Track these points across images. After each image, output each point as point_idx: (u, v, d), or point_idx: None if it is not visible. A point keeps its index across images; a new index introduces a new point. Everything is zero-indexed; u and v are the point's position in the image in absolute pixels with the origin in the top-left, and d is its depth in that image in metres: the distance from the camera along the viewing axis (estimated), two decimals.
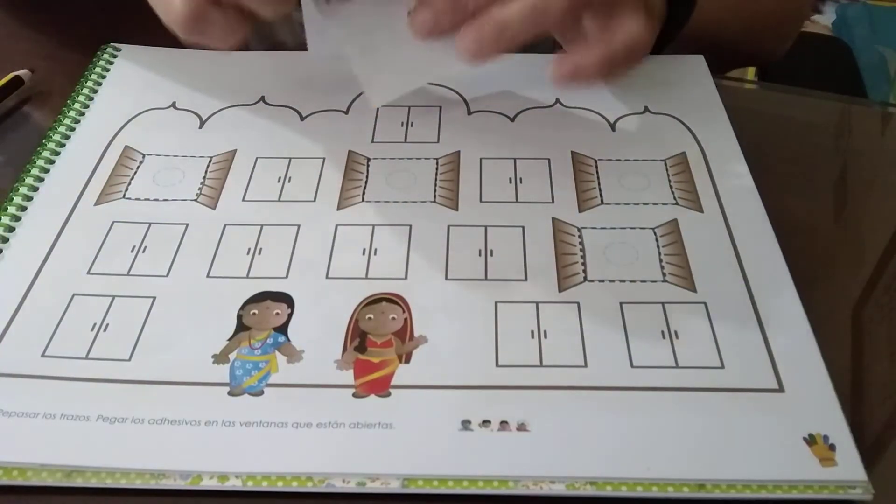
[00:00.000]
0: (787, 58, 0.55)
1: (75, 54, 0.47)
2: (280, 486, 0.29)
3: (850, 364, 0.35)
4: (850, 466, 0.29)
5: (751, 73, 0.85)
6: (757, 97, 0.48)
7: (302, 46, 0.46)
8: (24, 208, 0.39)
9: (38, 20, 0.52)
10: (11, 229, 0.38)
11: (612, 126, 0.44)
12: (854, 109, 0.50)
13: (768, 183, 0.40)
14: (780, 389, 0.32)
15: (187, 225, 0.38)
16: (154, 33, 0.47)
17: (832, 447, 0.30)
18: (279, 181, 0.41)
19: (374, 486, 0.29)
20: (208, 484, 0.29)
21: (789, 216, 0.39)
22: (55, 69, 0.48)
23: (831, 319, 0.36)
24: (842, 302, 0.38)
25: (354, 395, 0.32)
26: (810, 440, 0.30)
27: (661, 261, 0.37)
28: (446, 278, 0.36)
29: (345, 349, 0.33)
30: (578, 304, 0.35)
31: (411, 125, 0.44)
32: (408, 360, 0.33)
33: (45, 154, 0.42)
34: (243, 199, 0.40)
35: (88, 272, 0.36)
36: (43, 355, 0.33)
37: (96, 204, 0.39)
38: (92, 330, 0.34)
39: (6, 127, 0.45)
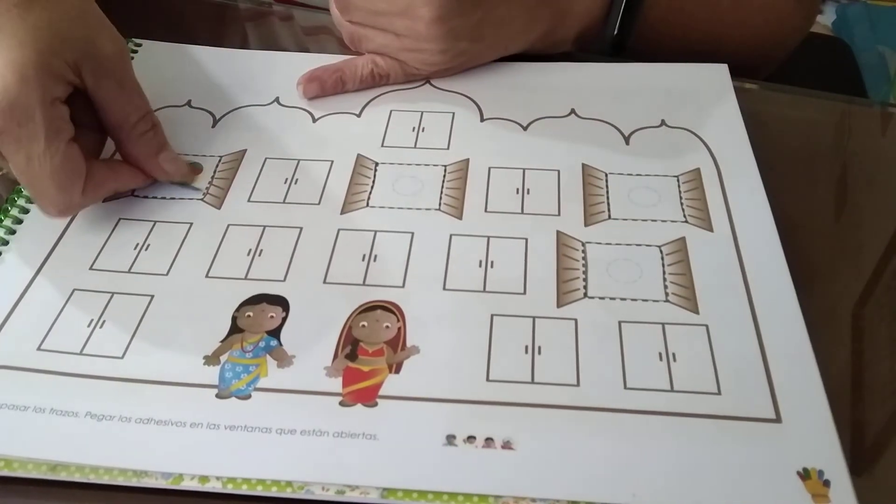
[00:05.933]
0: (787, 58, 0.54)
1: None
2: (259, 491, 0.29)
3: (849, 363, 0.35)
4: None
5: None
6: (757, 97, 0.47)
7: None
8: (33, 201, 0.39)
9: None
10: (20, 221, 0.38)
11: (627, 139, 0.43)
12: (854, 109, 0.50)
13: (768, 182, 0.40)
14: (778, 420, 0.31)
15: (191, 224, 0.39)
16: (156, 34, 0.48)
17: (826, 483, 0.29)
18: (286, 183, 0.41)
19: (353, 496, 0.29)
20: (189, 484, 0.30)
21: (789, 216, 0.38)
22: None
23: (831, 319, 0.36)
24: (842, 302, 0.37)
25: (341, 404, 0.32)
26: (804, 474, 0.29)
27: (664, 280, 0.36)
28: (444, 288, 0.36)
29: (335, 356, 0.33)
30: (576, 320, 0.34)
31: (423, 130, 0.44)
32: (398, 371, 0.33)
33: None
34: (249, 200, 0.40)
35: (91, 268, 0.37)
36: (39, 348, 0.33)
37: (105, 200, 0.40)
38: (89, 326, 0.34)
39: None
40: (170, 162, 0.40)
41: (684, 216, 0.39)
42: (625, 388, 0.32)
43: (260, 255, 0.37)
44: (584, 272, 0.36)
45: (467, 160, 0.42)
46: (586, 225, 0.39)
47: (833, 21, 1.49)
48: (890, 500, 0.31)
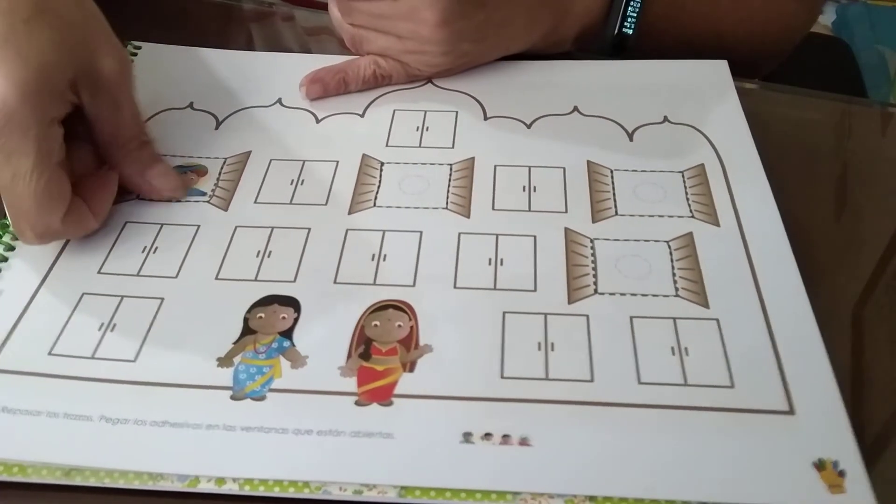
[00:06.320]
0: (787, 57, 0.54)
1: None
2: (277, 492, 0.29)
3: (850, 363, 0.35)
4: (859, 494, 0.29)
5: None
6: (757, 97, 0.48)
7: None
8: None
9: None
10: None
11: (630, 136, 0.43)
12: (854, 109, 0.50)
13: (768, 183, 0.40)
14: (791, 412, 0.31)
15: (199, 226, 0.39)
16: (155, 35, 0.47)
17: (842, 473, 0.29)
18: (292, 183, 0.41)
19: (370, 495, 0.29)
20: (205, 487, 0.29)
21: (789, 215, 0.38)
22: None
23: (832, 319, 0.36)
24: (842, 302, 0.37)
25: (357, 404, 0.31)
26: (819, 465, 0.29)
27: (674, 275, 0.36)
28: (454, 286, 0.36)
29: (349, 356, 0.33)
30: (587, 316, 0.34)
31: (427, 129, 0.44)
32: (412, 369, 0.33)
33: None
34: (255, 201, 0.40)
35: (99, 271, 0.36)
36: (50, 353, 0.33)
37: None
38: (99, 329, 0.34)
39: None
40: (158, 177, 0.39)
41: (690, 211, 0.39)
42: (639, 382, 0.32)
43: (269, 256, 0.37)
44: (594, 269, 0.36)
45: (472, 159, 0.42)
46: (594, 221, 0.39)
47: (833, 21, 1.49)
48: None
